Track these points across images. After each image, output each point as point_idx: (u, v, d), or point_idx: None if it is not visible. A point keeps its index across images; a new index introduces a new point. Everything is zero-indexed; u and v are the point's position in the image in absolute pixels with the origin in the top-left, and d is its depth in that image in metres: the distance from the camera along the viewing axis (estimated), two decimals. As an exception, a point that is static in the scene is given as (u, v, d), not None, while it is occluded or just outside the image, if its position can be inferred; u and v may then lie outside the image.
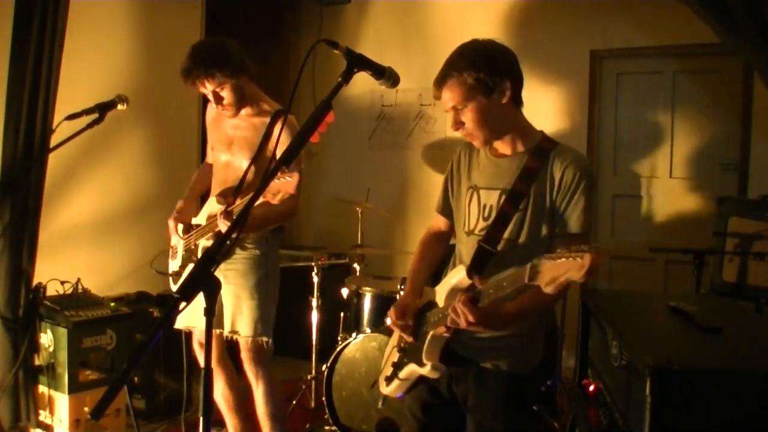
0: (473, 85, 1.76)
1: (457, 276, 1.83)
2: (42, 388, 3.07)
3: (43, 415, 3.07)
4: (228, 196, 2.54)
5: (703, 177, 4.27)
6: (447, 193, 2.06)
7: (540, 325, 1.89)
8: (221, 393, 2.77)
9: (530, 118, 1.92)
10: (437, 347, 1.83)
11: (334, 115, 1.52)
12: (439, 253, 2.11)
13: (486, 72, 1.75)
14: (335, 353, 3.14)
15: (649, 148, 4.43)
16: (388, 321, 2.01)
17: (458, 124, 1.83)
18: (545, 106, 4.46)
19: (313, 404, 3.65)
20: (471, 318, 1.65)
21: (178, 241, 2.76)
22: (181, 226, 2.75)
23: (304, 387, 3.68)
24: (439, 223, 2.12)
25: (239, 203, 2.37)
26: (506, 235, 1.81)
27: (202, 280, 1.31)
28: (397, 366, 1.98)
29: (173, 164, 4.24)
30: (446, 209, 2.07)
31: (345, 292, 3.61)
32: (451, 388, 1.92)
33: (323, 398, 3.14)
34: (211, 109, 2.71)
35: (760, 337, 1.66)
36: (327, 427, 3.21)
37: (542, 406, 3.17)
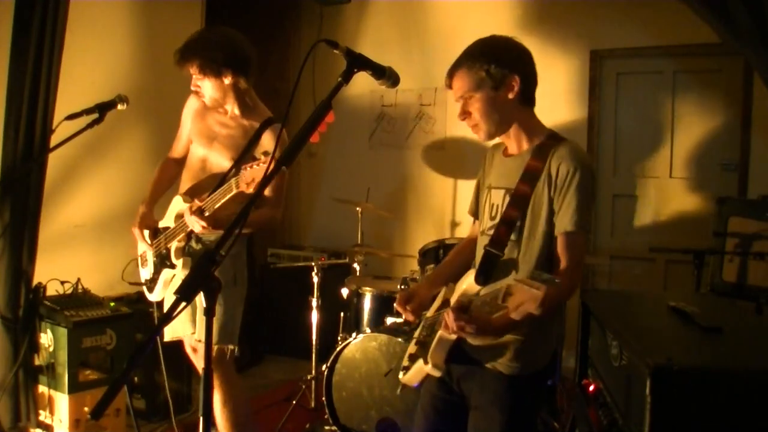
0: (482, 77, 1.79)
1: (467, 281, 1.84)
2: (42, 388, 3.07)
3: (43, 415, 3.07)
4: (198, 194, 2.45)
5: (703, 177, 4.27)
6: (477, 196, 2.07)
7: (544, 328, 1.85)
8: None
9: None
10: (444, 349, 1.83)
11: (334, 115, 1.53)
12: (471, 256, 2.04)
13: (496, 65, 1.77)
14: (335, 353, 3.14)
15: (649, 148, 4.43)
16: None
17: (465, 114, 1.86)
18: (545, 106, 4.41)
19: (313, 404, 3.65)
20: (454, 327, 1.66)
21: (147, 248, 2.65)
22: (147, 232, 2.64)
23: (304, 387, 3.68)
24: (474, 226, 2.12)
25: (209, 199, 2.31)
26: (512, 237, 1.81)
27: (202, 280, 1.31)
28: (412, 359, 2.00)
29: (173, 164, 4.24)
30: (476, 211, 2.07)
31: (345, 292, 3.61)
32: (460, 385, 1.93)
33: (323, 398, 3.14)
34: (195, 101, 2.64)
35: (760, 337, 1.66)
36: (327, 427, 3.21)
37: (542, 407, 3.19)
